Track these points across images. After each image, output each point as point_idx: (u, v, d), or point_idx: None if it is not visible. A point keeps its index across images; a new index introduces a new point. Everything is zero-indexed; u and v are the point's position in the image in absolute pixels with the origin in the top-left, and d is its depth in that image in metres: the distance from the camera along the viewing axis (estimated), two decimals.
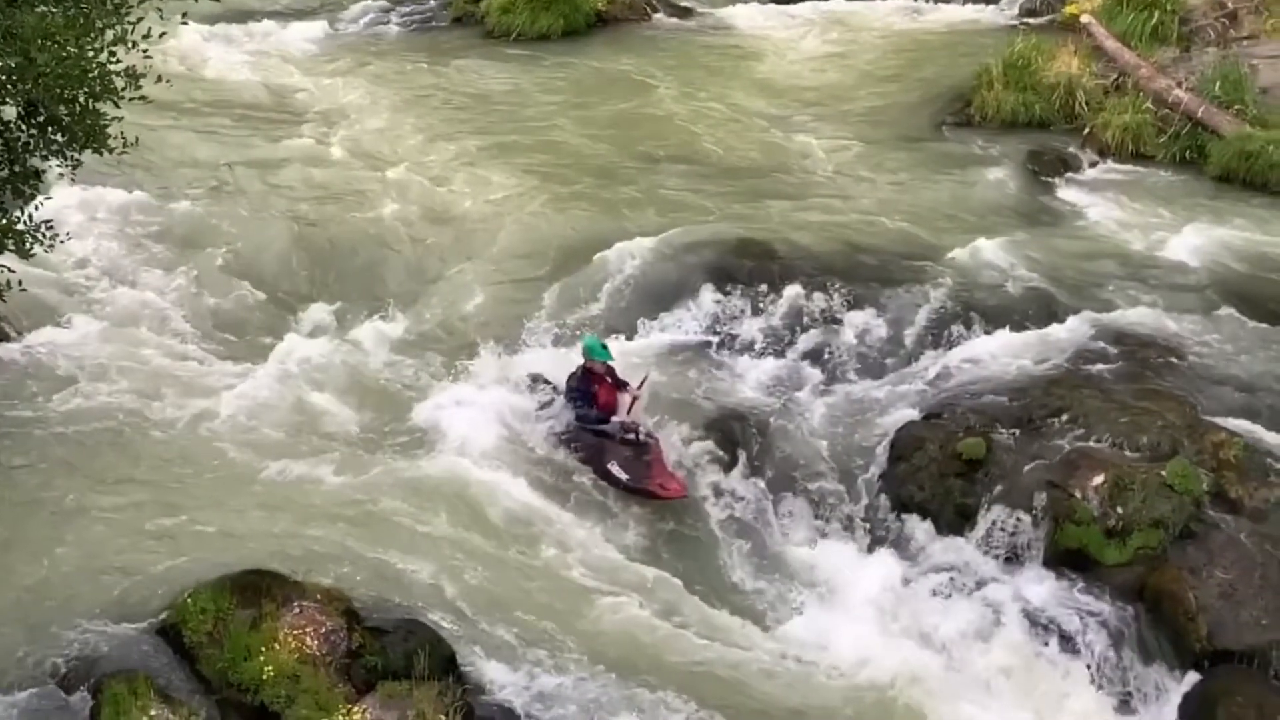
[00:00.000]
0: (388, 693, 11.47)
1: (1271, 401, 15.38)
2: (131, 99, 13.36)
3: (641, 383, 15.69)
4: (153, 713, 10.89)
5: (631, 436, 15.25)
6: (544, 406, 15.95)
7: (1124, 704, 13.29)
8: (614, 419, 15.39)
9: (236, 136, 21.99)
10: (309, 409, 15.69)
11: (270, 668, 11.38)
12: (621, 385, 15.69)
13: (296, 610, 11.91)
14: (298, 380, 16.18)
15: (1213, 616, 13.45)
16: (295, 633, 11.71)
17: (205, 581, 12.23)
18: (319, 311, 17.99)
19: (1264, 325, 16.97)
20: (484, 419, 15.69)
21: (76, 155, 14.00)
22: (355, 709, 11.27)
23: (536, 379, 16.33)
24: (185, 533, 13.38)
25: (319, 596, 12.09)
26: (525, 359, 16.84)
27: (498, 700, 12.08)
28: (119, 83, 13.33)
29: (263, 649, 11.55)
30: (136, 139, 13.75)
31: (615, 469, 15.04)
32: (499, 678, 12.28)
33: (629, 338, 17.20)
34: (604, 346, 15.70)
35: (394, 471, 14.77)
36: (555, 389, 16.03)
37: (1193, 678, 13.42)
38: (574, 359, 16.55)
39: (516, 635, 12.72)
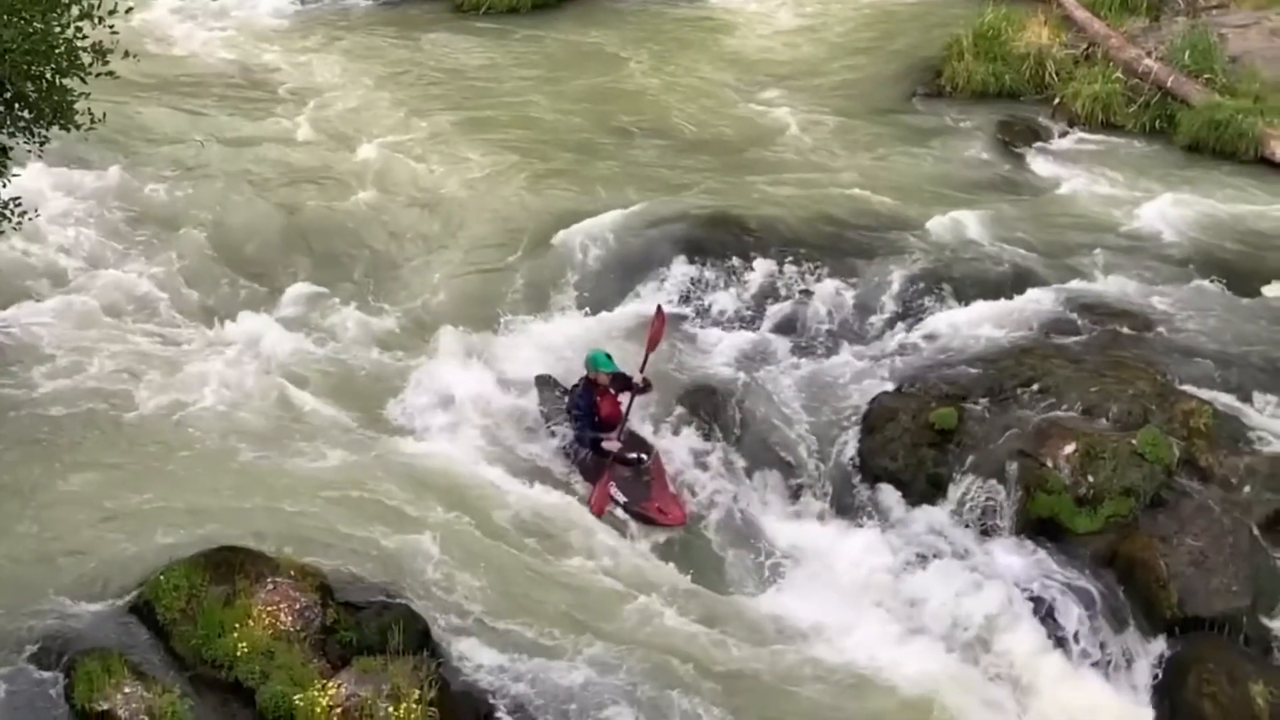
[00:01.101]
0: (363, 668, 11.46)
1: (1241, 369, 15.46)
2: (99, 75, 13.27)
3: (645, 360, 15.35)
4: (126, 690, 10.87)
5: (632, 456, 14.86)
6: (549, 419, 15.60)
7: (1097, 671, 13.35)
8: (607, 443, 14.87)
9: (207, 113, 21.83)
10: (283, 389, 15.62)
11: (244, 644, 11.36)
12: (626, 387, 15.20)
13: (270, 586, 11.89)
14: (272, 360, 16.12)
15: (1183, 584, 13.55)
16: (269, 609, 11.69)
17: (178, 559, 12.20)
18: (294, 291, 17.88)
19: (1233, 294, 17.08)
20: (460, 398, 15.66)
21: (44, 132, 13.90)
22: (330, 684, 11.26)
23: (544, 381, 15.97)
24: (158, 511, 13.32)
25: (292, 573, 12.07)
26: (501, 337, 16.81)
27: (472, 674, 12.09)
28: (86, 58, 13.23)
29: (236, 625, 11.53)
30: (104, 115, 13.66)
31: (613, 491, 14.71)
32: (473, 652, 12.29)
33: (608, 310, 17.25)
34: (608, 357, 15.23)
35: (368, 450, 14.74)
36: (563, 393, 15.68)
37: (1164, 644, 13.54)
38: (549, 334, 16.61)
39: (489, 610, 12.72)
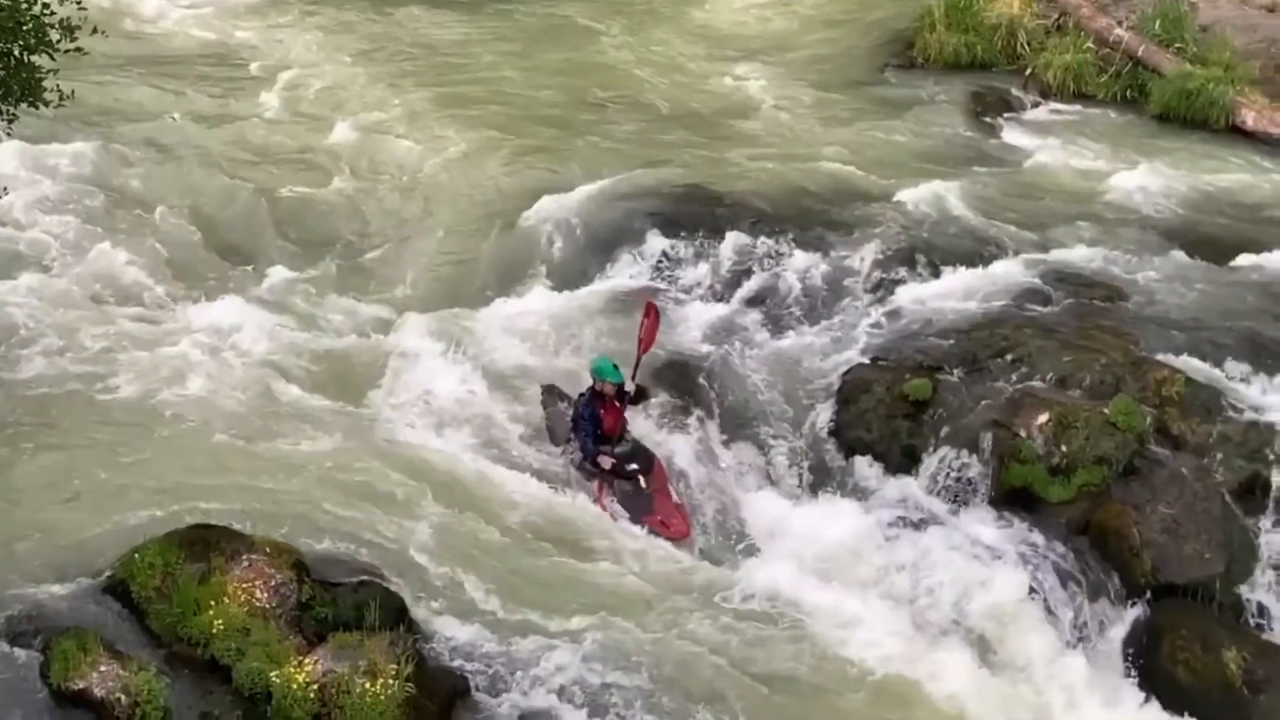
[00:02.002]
0: (339, 644, 11.46)
1: (1212, 338, 15.52)
2: (67, 51, 13.17)
3: (636, 364, 15.01)
4: (102, 668, 10.85)
5: (631, 468, 14.53)
6: (555, 434, 15.23)
7: (1071, 639, 13.41)
8: (602, 459, 14.55)
9: (180, 91, 21.70)
10: (258, 370, 15.55)
11: (220, 621, 11.35)
12: (626, 400, 14.89)
13: (245, 564, 11.88)
14: (247, 337, 16.05)
15: (1156, 551, 13.64)
16: (244, 586, 11.68)
17: (153, 537, 12.17)
18: (269, 271, 17.82)
19: (1204, 262, 17.14)
20: (435, 379, 15.61)
21: (12, 110, 13.79)
22: (306, 660, 11.26)
23: (549, 391, 15.56)
24: (133, 490, 13.29)
25: (267, 550, 12.05)
26: (476, 314, 16.72)
27: (449, 650, 12.11)
28: (54, 35, 13.13)
29: (212, 603, 11.52)
30: (73, 92, 13.58)
31: (611, 505, 14.44)
32: (450, 629, 12.31)
33: (583, 286, 17.22)
34: (615, 367, 14.82)
35: (343, 431, 14.69)
36: (568, 405, 15.24)
37: (1138, 611, 13.63)
38: (524, 312, 16.57)
39: (466, 587, 12.74)
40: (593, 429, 14.72)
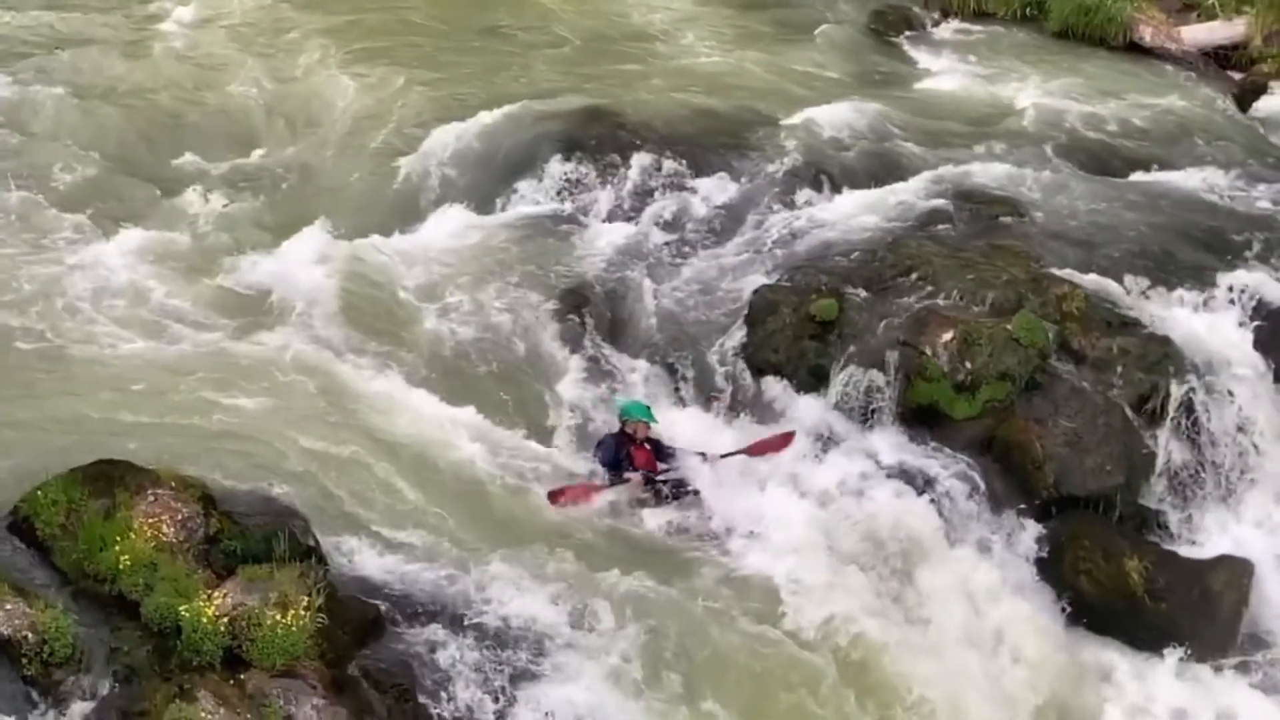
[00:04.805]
0: (248, 576, 11.35)
1: (1111, 252, 15.75)
2: None
3: (734, 453, 14.06)
4: (8, 607, 10.65)
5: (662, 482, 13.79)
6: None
7: (978, 551, 13.62)
8: (629, 473, 13.76)
9: (78, 22, 21.21)
10: (160, 300, 15.32)
11: (126, 557, 11.18)
12: (668, 454, 14.00)
13: (151, 498, 11.70)
14: (142, 265, 15.76)
15: (1059, 464, 13.89)
16: (150, 521, 11.50)
17: (56, 474, 11.96)
18: (170, 201, 17.54)
19: (1103, 179, 17.39)
20: (341, 305, 15.41)
21: None
22: (215, 594, 11.14)
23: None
24: (34, 426, 13.06)
25: (173, 484, 11.88)
26: (378, 239, 16.53)
27: (361, 580, 12.03)
28: None
29: (118, 538, 11.33)
30: None
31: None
32: (363, 558, 12.22)
33: (487, 212, 17.11)
34: (647, 408, 14.05)
35: (250, 361, 14.48)
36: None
37: (1042, 524, 13.87)
38: (425, 237, 16.43)
39: (378, 517, 12.64)
40: (616, 466, 13.91)
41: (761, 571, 12.93)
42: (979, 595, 13.25)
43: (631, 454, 13.98)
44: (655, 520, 13.63)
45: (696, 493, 13.78)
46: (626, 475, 13.86)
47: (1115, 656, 13.52)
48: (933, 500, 13.76)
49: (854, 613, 12.59)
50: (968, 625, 13.07)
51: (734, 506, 13.62)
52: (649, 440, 14.04)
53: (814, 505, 13.76)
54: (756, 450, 14.19)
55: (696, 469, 13.94)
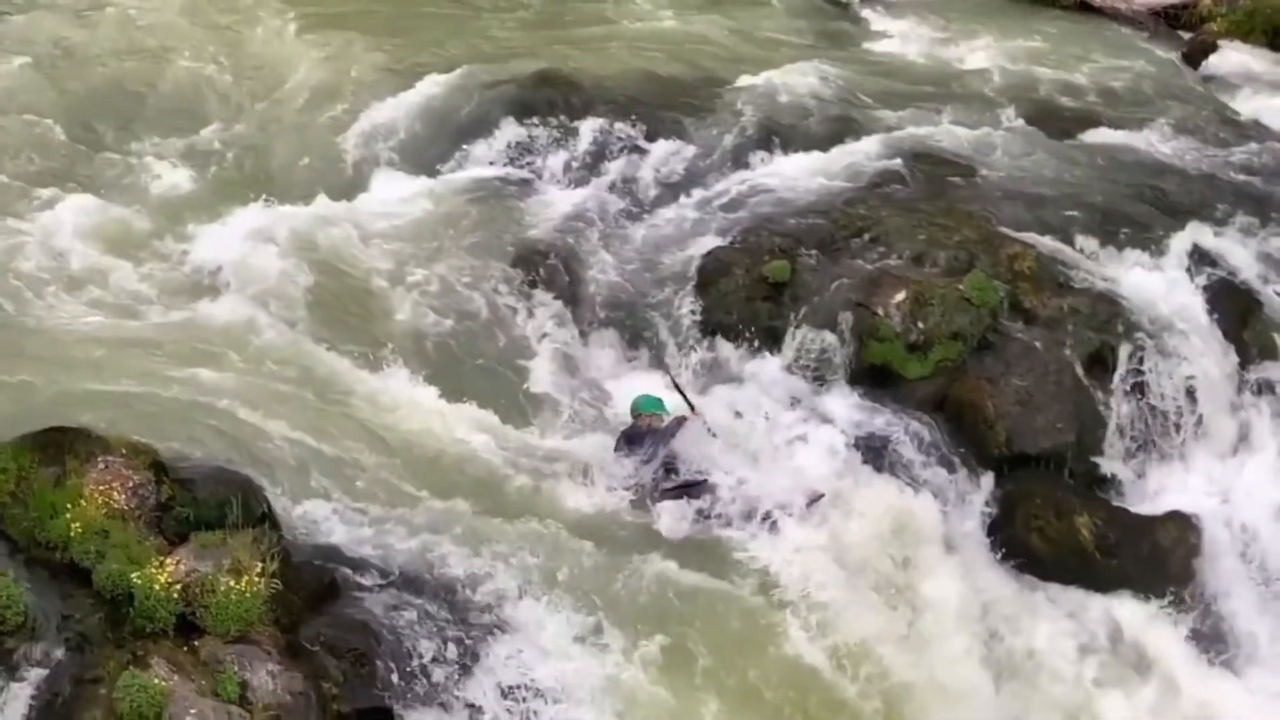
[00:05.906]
0: (201, 543, 11.31)
1: (1062, 211, 15.83)
2: None
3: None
4: None
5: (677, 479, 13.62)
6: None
7: (931, 510, 13.66)
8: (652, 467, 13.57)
9: None
10: (107, 265, 15.18)
11: (78, 524, 11.12)
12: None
13: (102, 465, 11.63)
14: (93, 236, 15.58)
15: (1011, 423, 13.99)
16: (101, 488, 11.43)
17: (5, 441, 11.87)
18: (115, 166, 17.28)
19: (1054, 139, 17.46)
20: (290, 268, 15.28)
21: None
22: (168, 560, 11.10)
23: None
24: None
25: (125, 451, 11.81)
26: (328, 203, 16.42)
27: (316, 545, 12.01)
28: None
29: (69, 506, 11.27)
30: None
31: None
32: (316, 522, 12.18)
33: (437, 175, 17.02)
34: (659, 400, 13.90)
35: (198, 327, 14.39)
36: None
37: (994, 482, 13.97)
38: (376, 200, 16.35)
39: (331, 481, 12.60)
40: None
41: (710, 534, 13.10)
42: (931, 553, 13.32)
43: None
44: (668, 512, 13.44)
45: (708, 482, 13.59)
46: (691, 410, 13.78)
47: (1062, 606, 13.62)
48: (885, 459, 13.81)
49: (798, 574, 12.70)
50: (920, 584, 13.15)
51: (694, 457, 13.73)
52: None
53: (764, 464, 13.79)
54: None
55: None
